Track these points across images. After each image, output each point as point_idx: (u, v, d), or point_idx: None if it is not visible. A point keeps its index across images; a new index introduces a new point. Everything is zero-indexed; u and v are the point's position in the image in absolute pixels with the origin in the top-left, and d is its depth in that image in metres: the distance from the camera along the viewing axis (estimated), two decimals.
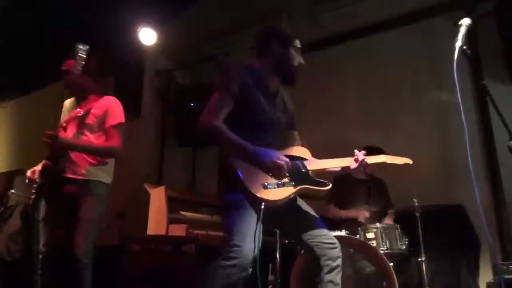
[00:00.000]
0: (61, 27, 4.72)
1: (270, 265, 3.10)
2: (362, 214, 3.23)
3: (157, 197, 3.79)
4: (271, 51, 2.00)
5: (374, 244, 2.92)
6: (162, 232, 3.52)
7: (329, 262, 1.83)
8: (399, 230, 3.03)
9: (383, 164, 2.14)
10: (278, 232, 2.94)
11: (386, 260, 2.74)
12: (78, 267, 2.27)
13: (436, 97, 3.94)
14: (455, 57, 1.61)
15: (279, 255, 3.04)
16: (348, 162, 2.02)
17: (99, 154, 2.51)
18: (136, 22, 4.64)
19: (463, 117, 1.57)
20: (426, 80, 4.08)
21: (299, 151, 2.02)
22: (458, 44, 1.65)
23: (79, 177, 2.43)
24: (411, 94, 4.13)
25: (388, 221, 3.31)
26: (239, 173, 1.73)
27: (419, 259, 2.95)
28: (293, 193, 1.80)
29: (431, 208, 3.11)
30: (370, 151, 3.35)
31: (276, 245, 2.99)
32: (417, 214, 3.01)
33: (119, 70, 5.04)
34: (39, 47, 5.14)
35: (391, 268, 2.70)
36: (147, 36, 4.69)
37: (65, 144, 2.37)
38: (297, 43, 2.01)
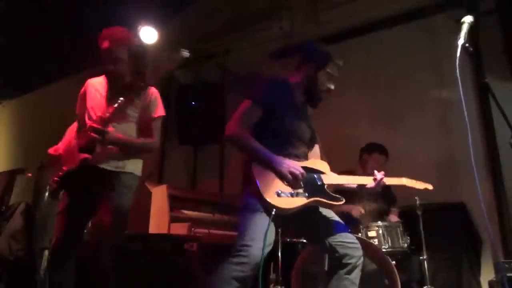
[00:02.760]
0: (61, 26, 4.72)
1: (272, 263, 3.10)
2: (357, 209, 3.21)
3: (159, 195, 3.80)
4: (304, 69, 2.09)
5: (376, 243, 2.92)
6: (164, 230, 3.52)
7: (352, 260, 1.87)
8: (401, 228, 3.03)
9: (400, 184, 2.17)
10: (279, 230, 2.93)
11: (388, 258, 2.74)
12: (107, 259, 2.19)
13: (438, 95, 3.93)
14: (457, 54, 1.61)
15: (280, 253, 3.05)
16: (366, 180, 2.07)
17: (138, 151, 2.39)
18: (136, 20, 4.63)
19: (465, 114, 1.57)
20: (428, 78, 4.07)
21: (318, 164, 2.06)
22: (460, 41, 1.64)
23: (115, 170, 2.29)
24: (412, 91, 4.12)
25: (393, 218, 3.30)
26: (256, 179, 1.82)
27: (421, 257, 2.95)
28: (305, 204, 1.84)
29: (433, 206, 3.11)
30: (372, 148, 3.37)
31: (277, 243, 3.00)
32: (419, 212, 3.01)
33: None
34: (38, 46, 5.14)
35: (393, 266, 2.70)
36: (148, 34, 4.68)
37: (112, 140, 2.23)
38: (331, 69, 2.06)
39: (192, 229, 3.47)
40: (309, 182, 1.90)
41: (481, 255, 3.39)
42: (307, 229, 2.05)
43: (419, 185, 2.22)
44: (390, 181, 2.10)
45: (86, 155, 2.21)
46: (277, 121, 1.98)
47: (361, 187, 2.09)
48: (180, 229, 3.48)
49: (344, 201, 1.94)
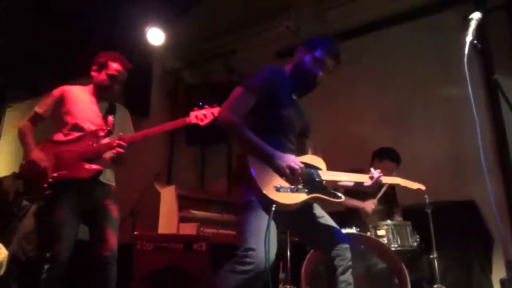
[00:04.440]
0: (70, 28, 4.76)
1: (281, 263, 3.10)
2: (369, 204, 3.19)
3: (168, 196, 3.82)
4: (296, 56, 2.01)
5: (385, 241, 2.91)
6: (173, 230, 3.54)
7: (342, 262, 1.84)
8: (410, 227, 3.01)
9: (395, 183, 2.19)
10: (288, 230, 2.93)
11: (398, 257, 2.73)
12: (110, 266, 2.27)
13: (447, 92, 3.90)
14: (466, 51, 1.59)
15: (289, 253, 3.05)
16: (363, 178, 2.05)
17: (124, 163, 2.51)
18: (144, 22, 4.66)
19: (474, 112, 1.56)
20: (436, 75, 4.04)
21: (313, 159, 2.01)
22: (469, 38, 1.62)
23: (108, 183, 2.45)
24: (421, 89, 4.10)
25: (398, 217, 3.29)
26: (253, 172, 1.71)
27: (431, 255, 2.93)
28: (305, 199, 1.80)
29: (443, 204, 3.09)
30: (384, 155, 3.33)
31: (286, 242, 3.00)
32: (429, 211, 2.99)
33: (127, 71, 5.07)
34: (47, 48, 5.19)
35: (403, 264, 2.69)
36: (155, 36, 4.71)
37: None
38: (322, 55, 1.94)
39: (201, 229, 3.48)
40: (307, 178, 1.85)
41: (492, 253, 3.36)
42: (300, 229, 2.00)
43: (413, 185, 2.23)
44: (386, 179, 2.09)
45: (99, 167, 2.31)
46: (270, 110, 1.88)
47: (358, 184, 2.05)
48: (189, 229, 3.49)
49: (343, 198, 1.91)
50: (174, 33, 4.90)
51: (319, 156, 2.06)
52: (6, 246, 3.61)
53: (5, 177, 6.09)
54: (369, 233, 3.00)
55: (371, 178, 2.03)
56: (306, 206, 1.87)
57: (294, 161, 1.78)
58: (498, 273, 3.21)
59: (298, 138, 2.05)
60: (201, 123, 2.41)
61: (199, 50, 5.56)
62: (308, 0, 4.93)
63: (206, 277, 2.81)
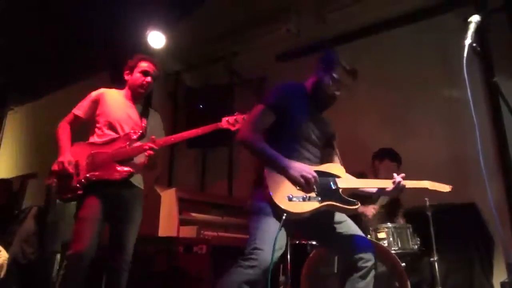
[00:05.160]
0: (71, 31, 4.78)
1: (281, 266, 3.10)
2: (370, 209, 3.19)
3: (168, 198, 3.82)
4: (316, 73, 2.08)
5: (386, 244, 2.90)
6: (173, 233, 3.54)
7: (366, 264, 1.86)
8: (410, 229, 3.00)
9: (422, 187, 2.09)
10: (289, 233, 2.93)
11: (398, 260, 2.73)
12: (122, 271, 2.30)
13: (447, 94, 3.90)
14: (465, 54, 1.60)
15: (289, 256, 3.05)
16: (385, 184, 2.03)
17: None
18: (144, 25, 4.68)
19: (473, 114, 1.56)
20: (437, 77, 4.05)
21: (333, 168, 2.04)
22: (468, 41, 1.63)
23: (138, 185, 2.47)
24: (421, 91, 4.10)
25: (400, 220, 3.28)
26: (267, 183, 1.80)
27: (432, 258, 2.92)
28: (317, 208, 1.82)
29: (443, 207, 3.07)
30: (383, 154, 3.32)
31: (286, 245, 2.99)
32: (429, 213, 2.98)
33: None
34: (49, 52, 5.21)
35: (403, 268, 2.68)
36: (156, 39, 4.73)
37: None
38: (338, 74, 2.01)
39: (201, 231, 3.48)
40: (322, 186, 1.88)
41: (493, 256, 3.35)
42: (320, 232, 2.03)
43: (442, 187, 2.14)
44: (411, 184, 2.02)
45: (131, 169, 2.34)
46: (289, 125, 1.98)
47: (381, 190, 2.06)
48: (189, 231, 3.49)
49: (359, 205, 1.92)
50: (175, 36, 4.92)
51: (341, 164, 2.10)
52: (7, 248, 3.63)
53: (15, 177, 6.11)
54: (369, 236, 2.99)
55: (394, 183, 2.00)
56: (325, 213, 1.90)
57: (307, 170, 1.84)
58: (499, 276, 3.20)
59: (324, 148, 2.14)
60: (233, 128, 2.49)
61: (200, 52, 5.57)
62: (309, 3, 4.94)
63: (206, 279, 2.81)
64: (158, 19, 4.68)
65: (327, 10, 4.73)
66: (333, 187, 1.93)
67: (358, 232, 1.98)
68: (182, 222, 3.62)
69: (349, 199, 1.91)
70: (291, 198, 1.78)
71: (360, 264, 1.86)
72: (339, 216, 1.99)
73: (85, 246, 2.18)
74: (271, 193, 1.77)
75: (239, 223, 3.91)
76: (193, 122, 5.27)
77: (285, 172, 1.82)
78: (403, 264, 2.72)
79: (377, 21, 4.43)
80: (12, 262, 3.47)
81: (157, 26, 4.71)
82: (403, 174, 2.01)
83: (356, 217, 3.24)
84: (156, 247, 2.88)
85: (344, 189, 1.95)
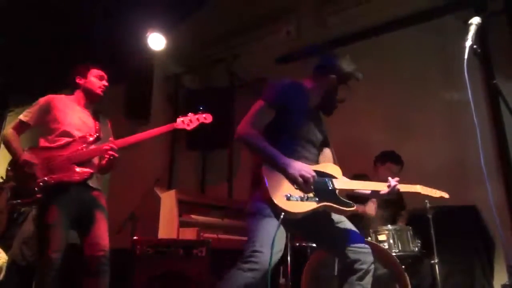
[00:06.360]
0: (72, 32, 4.78)
1: (281, 268, 3.09)
2: (370, 206, 3.17)
3: (168, 200, 3.81)
4: (324, 79, 2.07)
5: (386, 246, 2.89)
6: (173, 235, 3.53)
7: (363, 266, 1.85)
8: (411, 232, 3.00)
9: (414, 191, 2.12)
10: (288, 235, 2.92)
11: (398, 262, 2.72)
12: (103, 268, 2.30)
13: (448, 97, 3.90)
14: (465, 56, 1.60)
15: (289, 258, 3.04)
16: (380, 186, 2.04)
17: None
18: (145, 27, 4.68)
19: (474, 116, 1.55)
20: (437, 80, 4.05)
21: (330, 168, 2.03)
22: (468, 43, 1.63)
23: (98, 187, 2.48)
24: (422, 93, 4.10)
25: (401, 223, 3.27)
26: (266, 181, 1.77)
27: (432, 261, 2.91)
28: (315, 208, 1.81)
29: (444, 209, 3.06)
30: (386, 157, 3.32)
31: (286, 247, 2.99)
32: (430, 216, 2.97)
33: (128, 76, 5.09)
34: (47, 53, 5.21)
35: (404, 270, 2.67)
36: (156, 41, 4.73)
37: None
38: (342, 78, 2.06)
39: (201, 234, 3.47)
40: (320, 187, 1.87)
41: (493, 259, 3.34)
42: (317, 233, 2.02)
43: (435, 193, 2.17)
44: (404, 187, 2.05)
45: (91, 170, 2.36)
46: (289, 123, 1.96)
47: (375, 193, 2.05)
48: (189, 234, 3.48)
49: (355, 207, 1.91)
50: (175, 38, 4.93)
51: (337, 165, 2.09)
52: (6, 251, 3.61)
53: None
54: (369, 238, 2.98)
55: (388, 186, 2.01)
56: (322, 213, 1.89)
57: (307, 169, 1.82)
58: (499, 279, 3.19)
59: (321, 147, 2.13)
60: (188, 128, 2.53)
61: (200, 55, 5.58)
62: (309, 5, 4.96)
63: (206, 282, 2.80)
64: (159, 21, 4.69)
65: (327, 13, 4.74)
66: (330, 188, 1.92)
67: (353, 228, 1.97)
68: (182, 224, 3.61)
69: (346, 200, 1.91)
70: (289, 198, 1.76)
71: (357, 266, 1.84)
72: (337, 217, 1.98)
73: (53, 251, 2.19)
74: (269, 191, 1.74)
75: (240, 225, 3.90)
76: None
77: (283, 170, 1.80)
78: (404, 266, 2.71)
79: (378, 23, 4.43)
80: (11, 264, 3.46)
81: (158, 28, 4.71)
82: (397, 178, 2.03)
83: (355, 217, 3.24)
84: (155, 250, 2.87)
85: (341, 190, 1.94)
